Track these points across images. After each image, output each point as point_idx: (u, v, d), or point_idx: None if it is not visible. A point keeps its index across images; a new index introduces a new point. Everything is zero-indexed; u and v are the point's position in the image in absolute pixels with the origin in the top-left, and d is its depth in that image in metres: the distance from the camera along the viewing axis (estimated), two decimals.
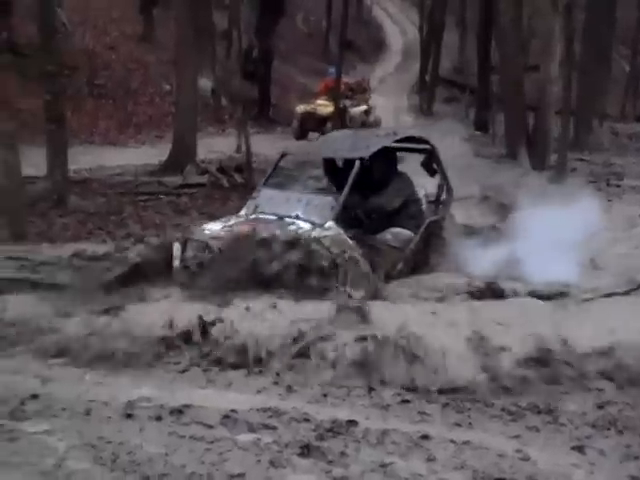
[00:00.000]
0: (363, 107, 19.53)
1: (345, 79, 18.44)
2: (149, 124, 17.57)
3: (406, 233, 6.98)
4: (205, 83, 18.13)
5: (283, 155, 7.45)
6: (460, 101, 24.61)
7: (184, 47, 13.49)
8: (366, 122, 19.50)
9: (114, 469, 3.27)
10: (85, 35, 19.89)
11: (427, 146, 7.45)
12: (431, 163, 7.42)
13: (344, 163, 7.20)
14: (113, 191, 11.02)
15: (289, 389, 4.29)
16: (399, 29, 35.28)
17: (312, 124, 18.03)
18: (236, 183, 11.62)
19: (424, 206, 7.33)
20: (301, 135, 18.05)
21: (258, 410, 3.91)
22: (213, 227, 6.48)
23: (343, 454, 3.49)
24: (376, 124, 20.09)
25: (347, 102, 18.43)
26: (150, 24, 20.96)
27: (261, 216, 6.61)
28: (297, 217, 6.47)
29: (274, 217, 6.52)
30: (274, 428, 3.72)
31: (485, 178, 10.28)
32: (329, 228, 6.35)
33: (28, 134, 12.86)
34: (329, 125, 16.66)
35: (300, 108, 18.63)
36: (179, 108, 13.79)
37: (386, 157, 7.14)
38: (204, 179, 12.00)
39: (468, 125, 20.21)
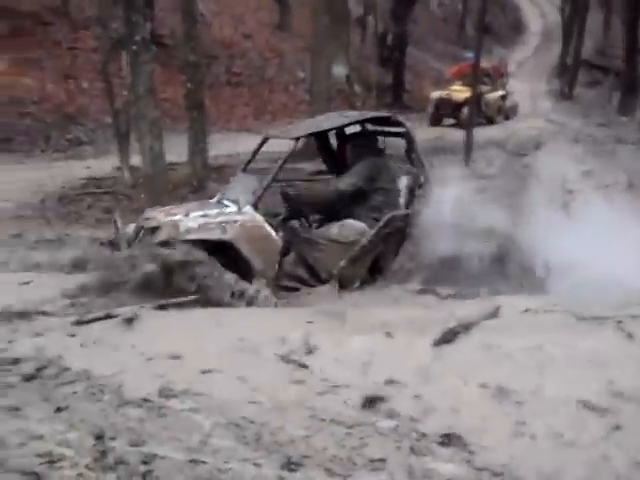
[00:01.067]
0: (500, 92, 19.10)
1: (481, 64, 18.06)
2: (284, 111, 17.84)
3: (358, 227, 6.31)
4: (339, 70, 18.21)
5: (265, 140, 7.08)
6: (603, 85, 23.65)
7: (320, 34, 13.59)
8: (502, 108, 19.07)
9: (257, 449, 3.32)
10: (223, 25, 20.41)
11: (402, 129, 6.75)
12: (410, 150, 6.74)
13: (337, 144, 7.00)
14: None
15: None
16: (538, 11, 34.23)
17: (447, 110, 17.80)
18: None
19: (401, 199, 6.58)
20: (436, 121, 17.87)
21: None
22: (171, 210, 6.39)
23: (484, 445, 3.43)
24: (513, 110, 19.61)
25: (483, 87, 18.05)
26: (286, 12, 21.25)
27: (210, 200, 6.64)
28: (236, 200, 6.27)
29: (216, 201, 6.48)
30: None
31: (631, 165, 9.83)
32: (244, 213, 6.11)
33: (170, 122, 13.36)
34: (464, 111, 16.39)
35: (435, 94, 18.41)
36: (314, 95, 13.91)
37: (363, 141, 6.72)
38: None
39: (611, 110, 19.39)
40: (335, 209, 6.40)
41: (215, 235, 6.05)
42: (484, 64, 18.83)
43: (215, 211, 6.23)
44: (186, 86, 10.73)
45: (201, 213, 6.17)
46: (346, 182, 6.31)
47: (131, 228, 6.37)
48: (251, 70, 19.09)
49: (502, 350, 4.21)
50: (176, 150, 10.64)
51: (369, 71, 17.94)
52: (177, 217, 6.13)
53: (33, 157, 13.68)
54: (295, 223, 6.38)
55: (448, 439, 3.43)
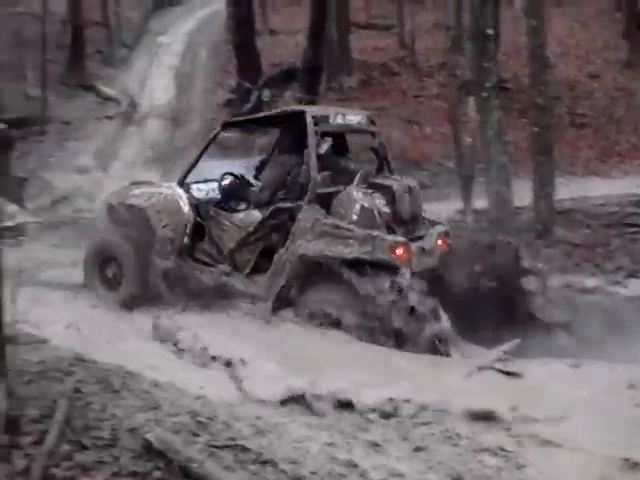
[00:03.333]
0: None
1: None
2: (633, 153, 16.80)
3: (255, 216, 6.67)
4: None
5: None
6: None
7: None
8: None
9: None
10: (568, 65, 19.92)
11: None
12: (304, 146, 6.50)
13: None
14: (598, 222, 10.73)
15: None
16: None
17: None
18: None
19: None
20: None
21: None
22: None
23: None
24: None
25: None
26: (636, 49, 20.17)
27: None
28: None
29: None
30: None
31: None
32: (168, 187, 7.12)
33: (512, 166, 13.25)
34: None
35: None
36: None
37: (283, 135, 7.13)
38: None
39: None
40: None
41: (140, 203, 7.07)
42: None
43: (167, 184, 7.27)
44: (532, 129, 10.60)
45: (160, 185, 7.35)
46: (259, 196, 6.82)
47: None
48: (597, 111, 18.32)
49: None
50: (518, 194, 10.50)
51: None
52: (139, 186, 7.35)
53: None
54: (207, 203, 7.00)
55: None
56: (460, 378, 4.73)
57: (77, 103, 18.53)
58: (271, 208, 6.54)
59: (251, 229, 6.60)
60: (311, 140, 6.38)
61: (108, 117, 17.95)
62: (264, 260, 6.57)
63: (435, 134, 16.90)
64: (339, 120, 6.78)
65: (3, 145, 11.19)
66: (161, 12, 28.66)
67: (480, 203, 10.41)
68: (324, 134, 6.60)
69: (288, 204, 6.50)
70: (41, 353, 4.80)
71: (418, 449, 3.71)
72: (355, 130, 7.27)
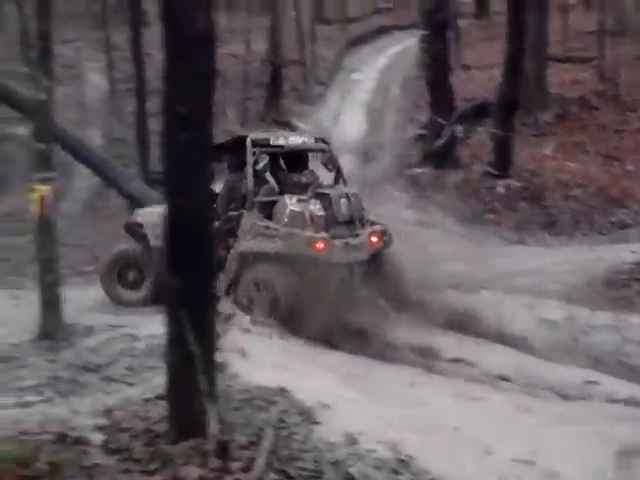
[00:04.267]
0: None
1: None
2: None
3: (216, 224, 7.42)
4: None
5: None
6: None
7: None
8: None
9: None
10: None
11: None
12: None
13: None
14: None
15: None
16: None
17: None
18: None
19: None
20: None
21: None
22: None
23: None
24: None
25: None
26: None
27: None
28: None
29: None
30: None
31: None
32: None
33: None
34: None
35: None
36: None
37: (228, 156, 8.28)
38: None
39: None
40: None
41: (141, 220, 8.55)
42: None
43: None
44: None
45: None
46: (217, 212, 7.73)
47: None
48: None
49: None
50: None
51: None
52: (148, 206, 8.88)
53: (576, 239, 13.77)
54: None
55: None
56: None
57: None
58: (223, 217, 7.78)
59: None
60: (248, 158, 7.79)
61: None
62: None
63: (638, 171, 16.01)
64: (280, 142, 8.20)
65: None
66: (354, 50, 29.30)
67: None
68: (270, 154, 8.04)
69: (236, 213, 7.81)
70: (243, 380, 4.92)
71: None
72: (306, 149, 8.51)
